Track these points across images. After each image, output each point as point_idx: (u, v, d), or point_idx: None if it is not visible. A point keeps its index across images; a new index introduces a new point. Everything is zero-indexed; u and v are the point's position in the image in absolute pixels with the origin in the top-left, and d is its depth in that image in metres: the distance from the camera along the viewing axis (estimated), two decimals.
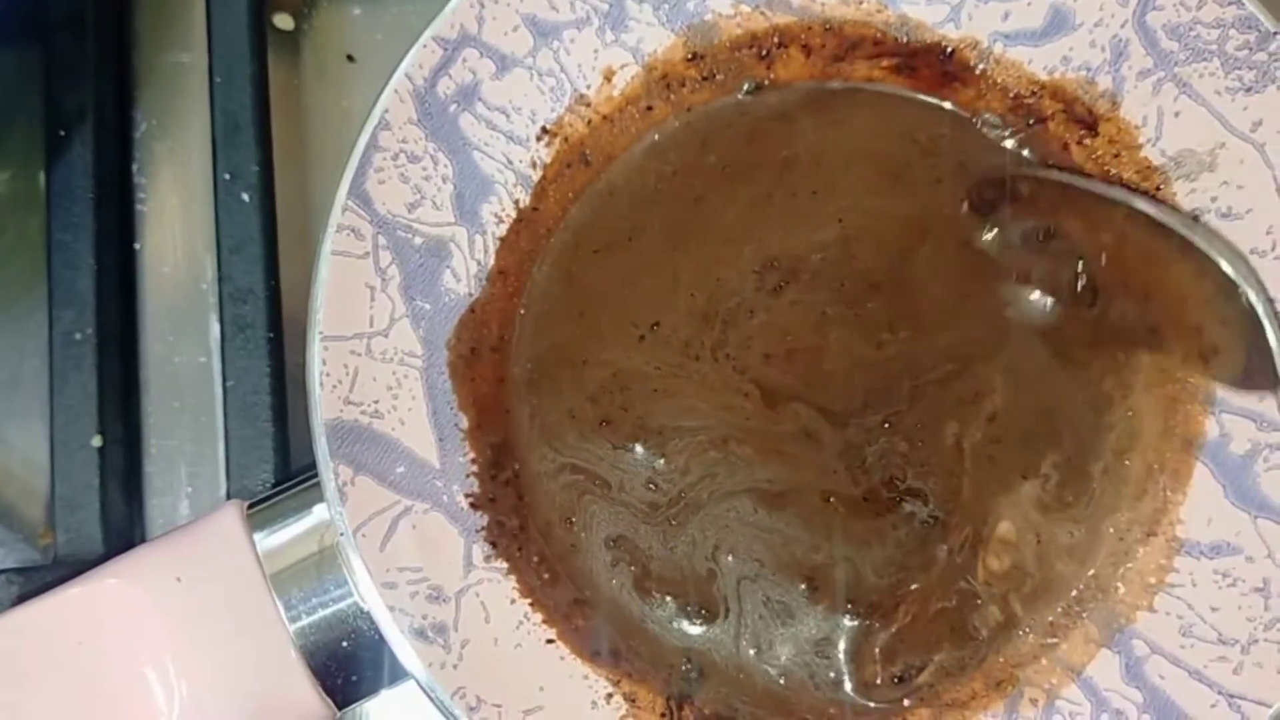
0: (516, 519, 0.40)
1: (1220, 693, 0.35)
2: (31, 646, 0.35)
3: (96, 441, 0.45)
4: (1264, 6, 0.38)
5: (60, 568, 0.44)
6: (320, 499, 0.36)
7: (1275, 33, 0.37)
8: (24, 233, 0.50)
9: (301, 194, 0.50)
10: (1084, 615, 0.39)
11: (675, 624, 0.40)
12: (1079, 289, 0.40)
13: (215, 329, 0.48)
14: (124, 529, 0.46)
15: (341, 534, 0.36)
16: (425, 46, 0.39)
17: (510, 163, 0.42)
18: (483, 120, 0.41)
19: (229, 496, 0.44)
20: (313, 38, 0.53)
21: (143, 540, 0.47)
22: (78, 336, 0.46)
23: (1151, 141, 0.40)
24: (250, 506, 0.38)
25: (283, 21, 0.52)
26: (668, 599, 0.40)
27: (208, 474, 0.48)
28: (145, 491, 0.48)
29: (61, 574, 0.41)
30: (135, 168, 0.51)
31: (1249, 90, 0.38)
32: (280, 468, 0.44)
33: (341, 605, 0.36)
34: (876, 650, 0.39)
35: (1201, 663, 0.36)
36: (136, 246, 0.50)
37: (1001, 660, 0.39)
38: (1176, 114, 0.40)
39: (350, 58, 0.52)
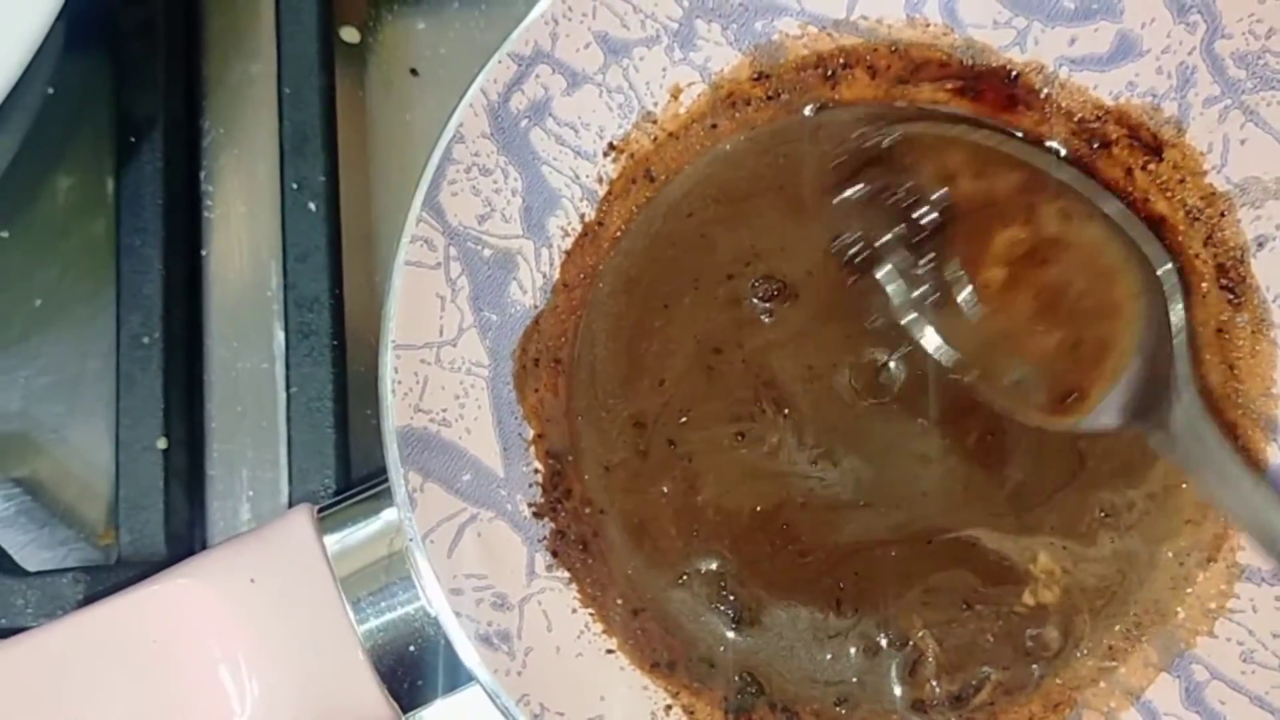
0: (577, 529, 0.41)
1: None
2: (107, 644, 0.35)
3: (161, 444, 0.46)
4: None
5: (124, 568, 0.44)
6: (389, 504, 0.37)
7: None
8: (89, 237, 0.51)
9: (365, 204, 0.51)
10: (1143, 639, 0.39)
11: (733, 636, 0.40)
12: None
13: (279, 335, 0.49)
14: (186, 531, 0.47)
15: (411, 539, 0.36)
16: (500, 62, 0.39)
17: (577, 177, 0.42)
18: (552, 135, 0.41)
19: (290, 502, 0.45)
20: (377, 51, 0.53)
21: (204, 542, 0.48)
22: (145, 340, 0.47)
23: (1217, 169, 0.41)
24: (320, 511, 0.38)
25: (349, 35, 0.53)
26: (726, 611, 0.40)
27: (269, 479, 0.48)
28: (207, 494, 0.48)
29: (126, 574, 0.42)
30: (203, 175, 0.52)
31: None
32: (341, 474, 0.45)
33: (409, 609, 0.37)
34: (933, 669, 0.39)
35: (1263, 689, 0.36)
36: (203, 252, 0.51)
37: (1059, 683, 0.39)
38: (1243, 141, 0.40)
39: (414, 71, 0.53)
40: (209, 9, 0.54)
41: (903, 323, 0.40)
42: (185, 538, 0.47)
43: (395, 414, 0.37)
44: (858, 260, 0.41)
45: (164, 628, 0.35)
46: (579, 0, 0.40)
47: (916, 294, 0.40)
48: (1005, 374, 0.40)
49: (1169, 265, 0.40)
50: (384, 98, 0.53)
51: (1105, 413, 0.39)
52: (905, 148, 0.41)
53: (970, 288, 0.40)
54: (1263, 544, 0.37)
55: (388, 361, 0.37)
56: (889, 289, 0.41)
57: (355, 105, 0.53)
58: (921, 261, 0.40)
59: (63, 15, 0.41)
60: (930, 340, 0.40)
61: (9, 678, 0.35)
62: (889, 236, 0.40)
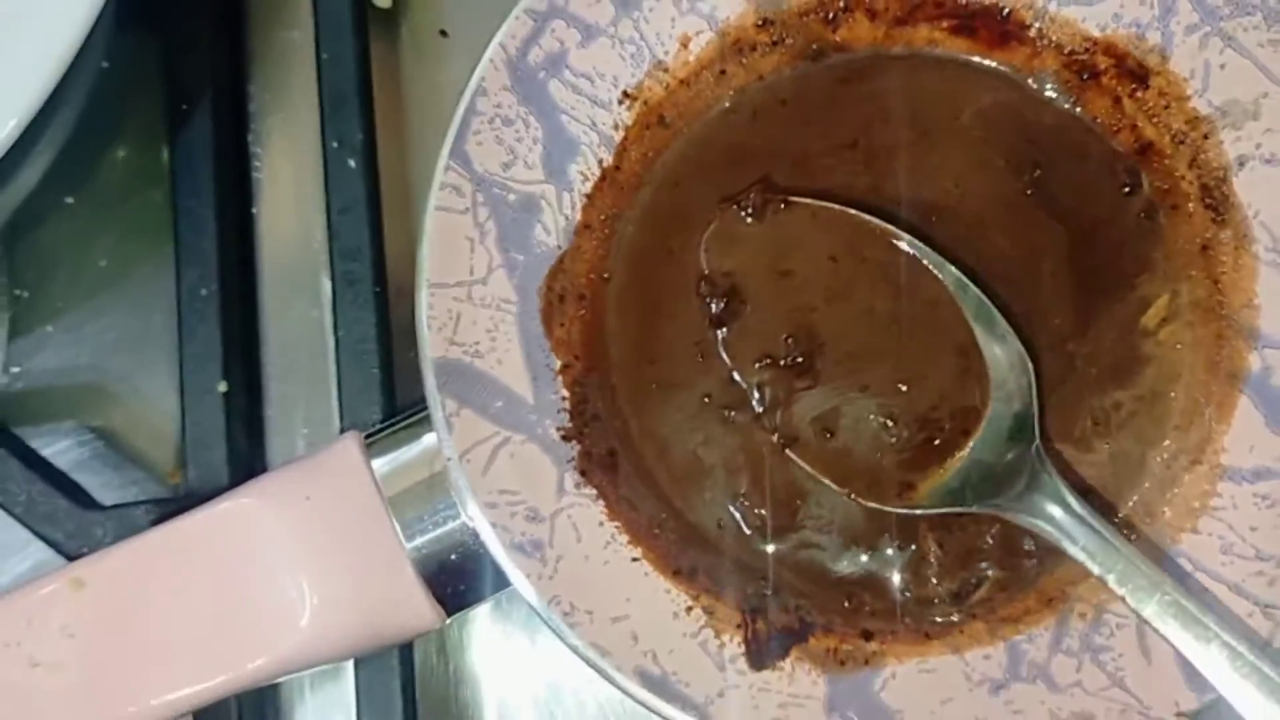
0: (604, 449, 0.44)
1: (1256, 603, 0.38)
2: (180, 557, 0.39)
3: (222, 387, 0.49)
4: None
5: (192, 499, 0.48)
6: (429, 429, 0.40)
7: None
8: (146, 203, 0.54)
9: (401, 160, 0.54)
10: (1132, 538, 0.42)
11: (750, 543, 0.43)
12: None
13: (327, 285, 0.52)
14: (247, 466, 0.50)
15: (449, 459, 0.40)
16: (517, 19, 0.42)
17: (594, 125, 0.45)
18: (569, 85, 0.44)
19: (342, 434, 0.48)
20: (409, 15, 0.56)
21: None
22: (203, 293, 0.50)
23: (1199, 93, 0.43)
24: (367, 437, 0.42)
25: (381, 0, 0.56)
26: (743, 522, 0.43)
27: (321, 416, 0.52)
28: (266, 432, 0.52)
29: (193, 505, 0.46)
30: (250, 138, 0.55)
31: None
32: (388, 409, 0.48)
33: (450, 524, 0.40)
34: (935, 568, 0.42)
35: (1241, 577, 0.39)
36: (254, 210, 0.54)
37: (1054, 578, 0.42)
38: (1222, 66, 0.42)
39: (443, 33, 0.56)
40: None
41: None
42: (247, 473, 0.50)
43: (431, 346, 0.40)
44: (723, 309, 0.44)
45: (230, 542, 0.39)
46: None
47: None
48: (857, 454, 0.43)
49: (1020, 353, 0.42)
50: (416, 58, 0.56)
51: (953, 494, 0.42)
52: (792, 219, 0.44)
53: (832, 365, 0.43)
54: (1131, 600, 0.38)
55: (423, 299, 0.41)
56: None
57: (389, 66, 0.56)
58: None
59: None
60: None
61: (98, 590, 0.39)
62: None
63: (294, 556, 0.39)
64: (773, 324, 0.43)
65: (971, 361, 0.43)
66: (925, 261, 0.43)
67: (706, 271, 0.44)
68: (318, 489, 0.40)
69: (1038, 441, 0.41)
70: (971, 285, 0.42)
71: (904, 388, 0.43)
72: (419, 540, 0.40)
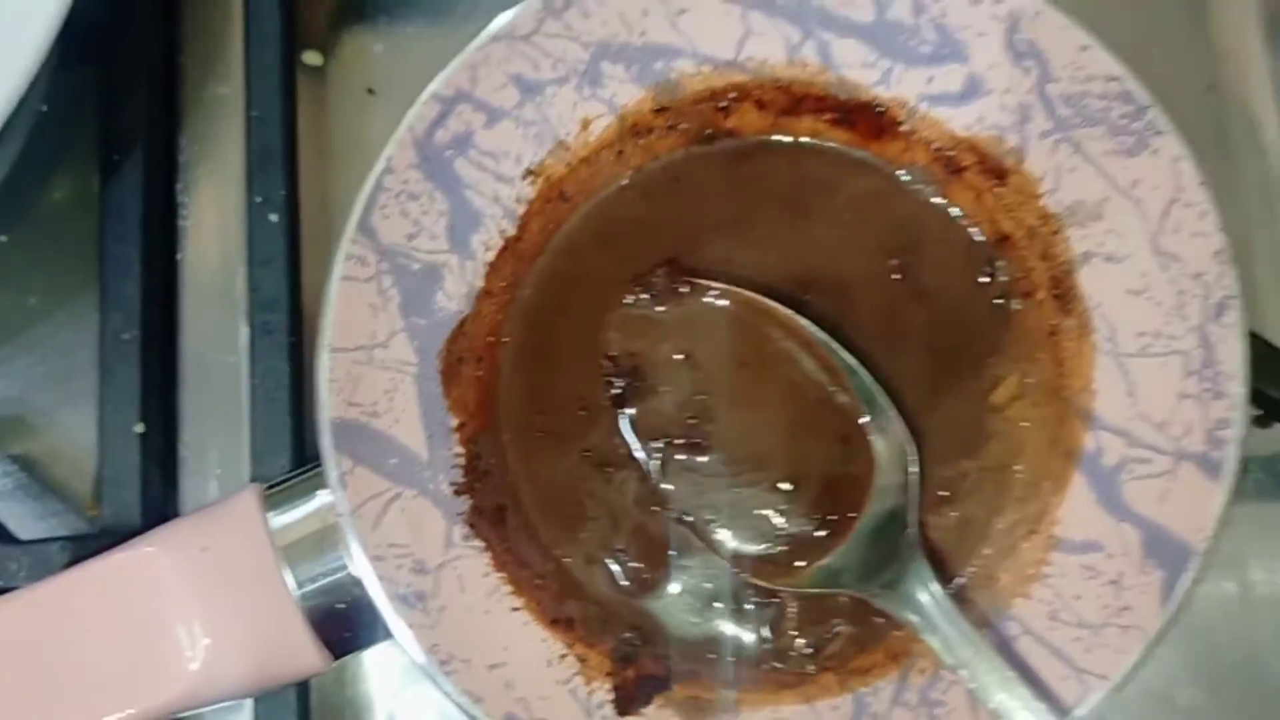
0: (493, 504, 0.47)
1: (1073, 668, 0.42)
2: (81, 603, 0.41)
3: (139, 429, 0.51)
4: (1141, 84, 0.44)
5: (105, 536, 0.49)
6: (325, 485, 0.43)
7: (1148, 106, 0.43)
8: (79, 242, 0.55)
9: (325, 213, 0.57)
10: (972, 600, 0.45)
11: (624, 597, 0.46)
12: None
13: (245, 332, 0.53)
14: (161, 505, 0.52)
15: (340, 515, 0.42)
16: (425, 103, 0.45)
17: (498, 199, 0.48)
18: (474, 163, 0.47)
19: (252, 479, 0.51)
20: (338, 73, 0.59)
21: (176, 514, 0.54)
22: (125, 336, 0.52)
23: (1050, 193, 0.46)
24: (269, 488, 0.45)
25: (311, 59, 0.58)
26: (620, 575, 0.46)
27: (234, 459, 0.54)
28: (180, 473, 0.54)
29: (107, 543, 0.48)
30: (179, 187, 0.57)
31: (1129, 154, 0.44)
32: (297, 454, 0.50)
33: (340, 575, 0.43)
34: (793, 623, 0.45)
35: (1063, 642, 0.42)
36: (179, 257, 0.56)
37: (900, 634, 0.45)
38: (1071, 170, 0.46)
39: (371, 91, 0.58)
40: (186, 36, 0.59)
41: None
42: (160, 511, 0.52)
43: (330, 408, 0.43)
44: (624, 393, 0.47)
45: (129, 589, 0.41)
46: (496, 48, 0.46)
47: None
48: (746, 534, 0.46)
49: (903, 446, 0.45)
50: (343, 115, 0.59)
51: (833, 577, 0.45)
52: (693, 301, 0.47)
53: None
54: (981, 696, 0.41)
55: (324, 362, 0.44)
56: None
57: (318, 123, 0.58)
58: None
59: (57, 39, 0.45)
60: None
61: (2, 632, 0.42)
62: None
63: (189, 603, 0.41)
64: (671, 404, 0.47)
65: (860, 449, 0.46)
66: (819, 346, 0.46)
67: (613, 353, 0.47)
68: (215, 539, 0.42)
69: (913, 529, 0.44)
70: (862, 371, 0.46)
71: (795, 474, 0.46)
72: (309, 589, 0.43)
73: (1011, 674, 0.41)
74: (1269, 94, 0.55)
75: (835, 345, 0.46)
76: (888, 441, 0.46)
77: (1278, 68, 0.56)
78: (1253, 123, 0.55)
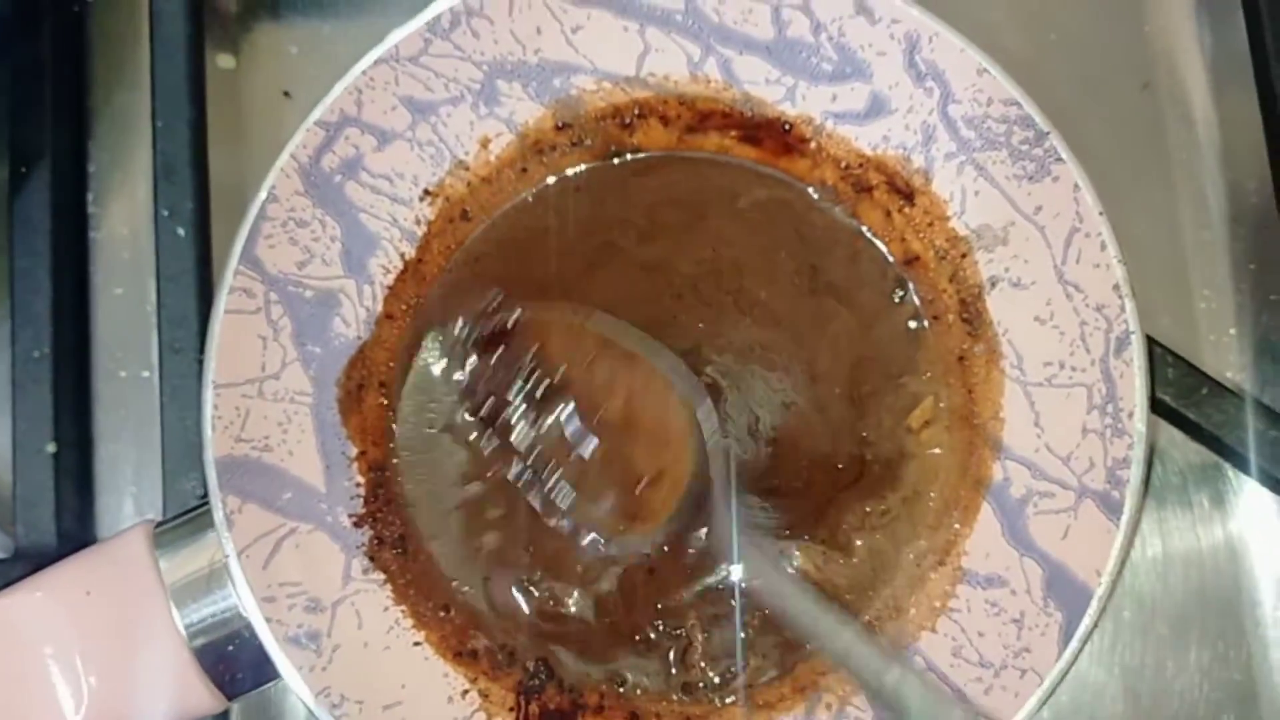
0: (395, 533, 0.46)
1: (970, 713, 0.41)
2: None
3: (51, 448, 0.51)
4: (1040, 110, 0.42)
5: (20, 559, 0.50)
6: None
7: (1048, 133, 0.42)
8: None
9: (240, 222, 0.56)
10: (880, 632, 0.45)
11: (530, 628, 0.46)
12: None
13: (157, 348, 0.54)
14: (77, 525, 0.52)
15: (227, 555, 0.42)
16: (309, 130, 0.44)
17: (395, 221, 0.47)
18: (367, 186, 0.46)
19: (165, 499, 0.50)
20: (252, 76, 0.58)
21: (94, 533, 0.54)
22: (36, 354, 0.52)
23: (958, 215, 0.45)
24: (159, 525, 0.44)
25: (225, 62, 0.57)
26: (526, 607, 0.46)
27: (151, 476, 0.53)
28: (96, 491, 0.53)
29: (21, 566, 0.48)
30: (91, 198, 0.56)
31: (1031, 179, 0.43)
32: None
33: (229, 614, 0.42)
34: (700, 655, 0.45)
35: (963, 681, 0.42)
36: (90, 270, 0.56)
37: (808, 665, 0.45)
38: (976, 193, 0.45)
39: (286, 94, 0.57)
40: (94, 43, 0.58)
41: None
42: (76, 531, 0.52)
43: (215, 446, 0.43)
44: (489, 414, 0.46)
45: (13, 634, 0.41)
46: (380, 71, 0.44)
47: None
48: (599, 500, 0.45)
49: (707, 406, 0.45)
50: (258, 119, 0.57)
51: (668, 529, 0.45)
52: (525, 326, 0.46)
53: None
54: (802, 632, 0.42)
55: (207, 399, 0.43)
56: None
57: (232, 127, 0.57)
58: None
59: None
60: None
61: None
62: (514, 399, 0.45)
63: (74, 647, 0.41)
64: (527, 422, 0.46)
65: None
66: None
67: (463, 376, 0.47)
68: (102, 581, 0.42)
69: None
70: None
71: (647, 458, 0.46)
72: (199, 629, 0.42)
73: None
74: (1205, 92, 0.54)
75: (659, 346, 0.46)
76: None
77: (1213, 66, 0.54)
78: (1188, 120, 0.54)
